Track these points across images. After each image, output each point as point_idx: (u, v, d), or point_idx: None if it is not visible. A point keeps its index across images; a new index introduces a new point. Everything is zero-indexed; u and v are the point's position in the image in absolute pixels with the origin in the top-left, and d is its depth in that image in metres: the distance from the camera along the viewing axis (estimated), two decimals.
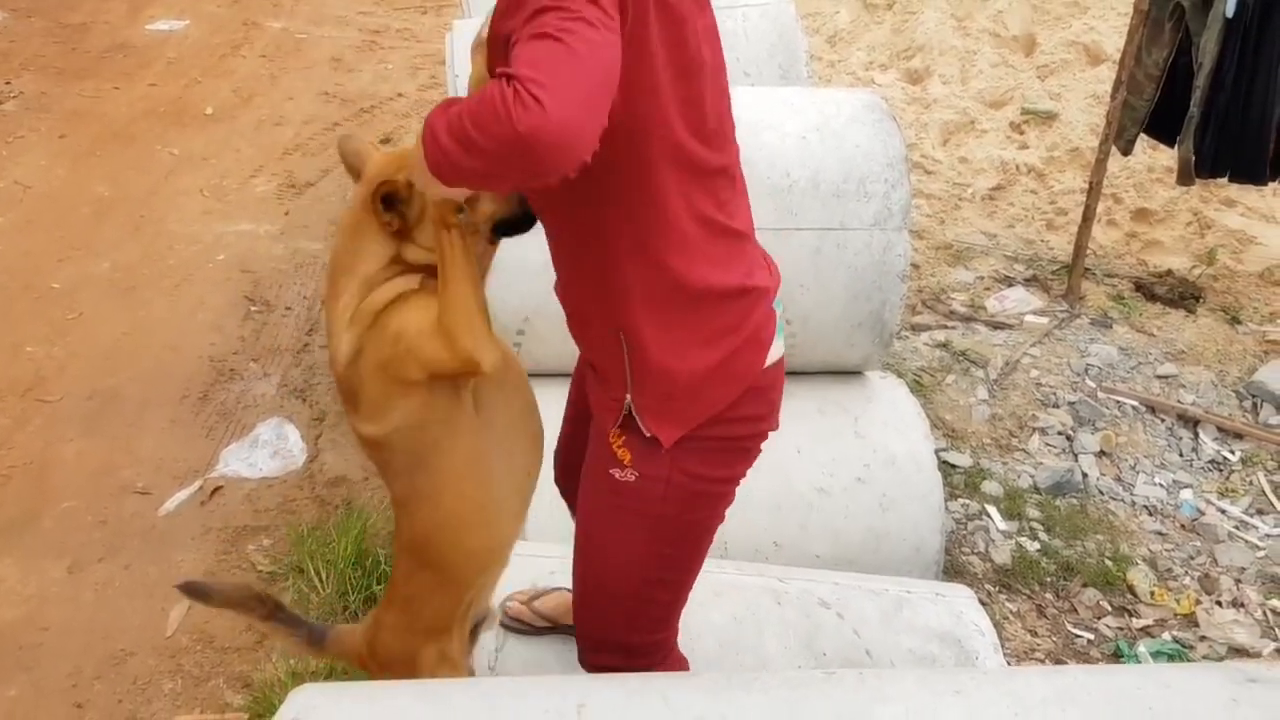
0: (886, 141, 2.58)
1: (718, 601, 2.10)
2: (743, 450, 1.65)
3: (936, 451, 3.64)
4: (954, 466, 3.58)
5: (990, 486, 3.50)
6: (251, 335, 4.16)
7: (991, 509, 3.42)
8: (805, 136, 2.57)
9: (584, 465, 1.70)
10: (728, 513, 2.49)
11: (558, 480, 2.05)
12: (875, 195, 2.54)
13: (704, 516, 1.67)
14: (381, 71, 6.94)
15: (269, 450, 3.53)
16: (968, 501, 3.45)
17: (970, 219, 5.06)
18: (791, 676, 1.63)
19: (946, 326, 4.26)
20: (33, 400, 3.74)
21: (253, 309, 4.34)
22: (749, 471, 1.70)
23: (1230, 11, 3.80)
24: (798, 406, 2.75)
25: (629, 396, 1.55)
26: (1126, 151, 4.38)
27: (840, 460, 2.61)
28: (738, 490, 1.92)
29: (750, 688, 1.34)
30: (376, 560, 2.98)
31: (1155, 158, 5.06)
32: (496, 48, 1.42)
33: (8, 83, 6.39)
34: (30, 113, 6.04)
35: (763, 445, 1.68)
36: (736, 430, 1.61)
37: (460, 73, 2.85)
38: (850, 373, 2.84)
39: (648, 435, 1.56)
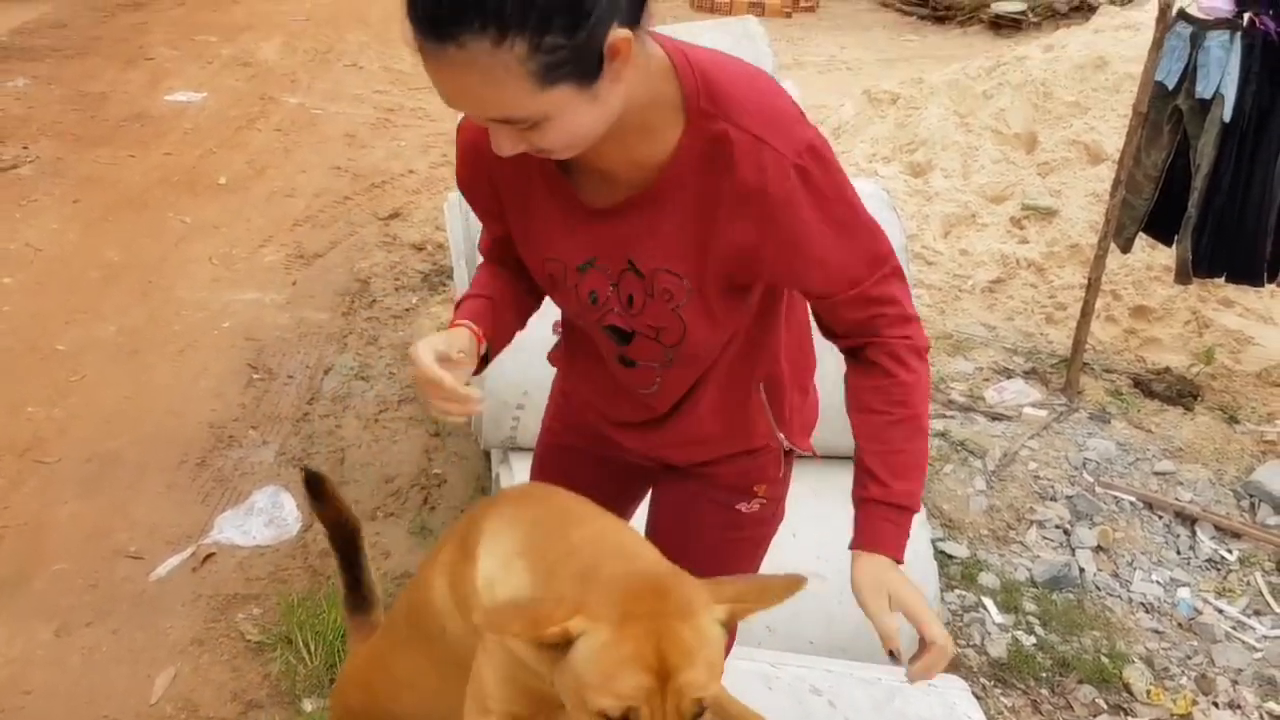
0: (887, 231, 2.61)
1: None
2: None
3: (933, 541, 3.63)
4: (951, 557, 3.57)
5: (987, 578, 3.48)
6: (252, 403, 4.18)
7: (988, 601, 3.40)
8: None
9: (688, 521, 1.67)
10: None
11: None
12: None
13: None
14: (394, 148, 7.07)
15: (264, 518, 3.52)
16: (964, 593, 3.43)
17: (970, 310, 5.11)
18: None
19: (945, 415, 4.28)
20: (30, 461, 3.74)
21: (255, 377, 4.37)
22: None
23: (1227, 117, 3.89)
24: (793, 490, 2.75)
25: (782, 437, 1.60)
26: (1125, 249, 4.45)
27: (835, 545, 2.58)
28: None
29: None
30: None
31: (1154, 256, 5.13)
32: None
33: (25, 147, 6.51)
34: (45, 177, 6.14)
35: None
36: None
37: None
38: (847, 458, 2.84)
39: (801, 454, 1.65)
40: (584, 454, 1.77)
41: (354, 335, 4.73)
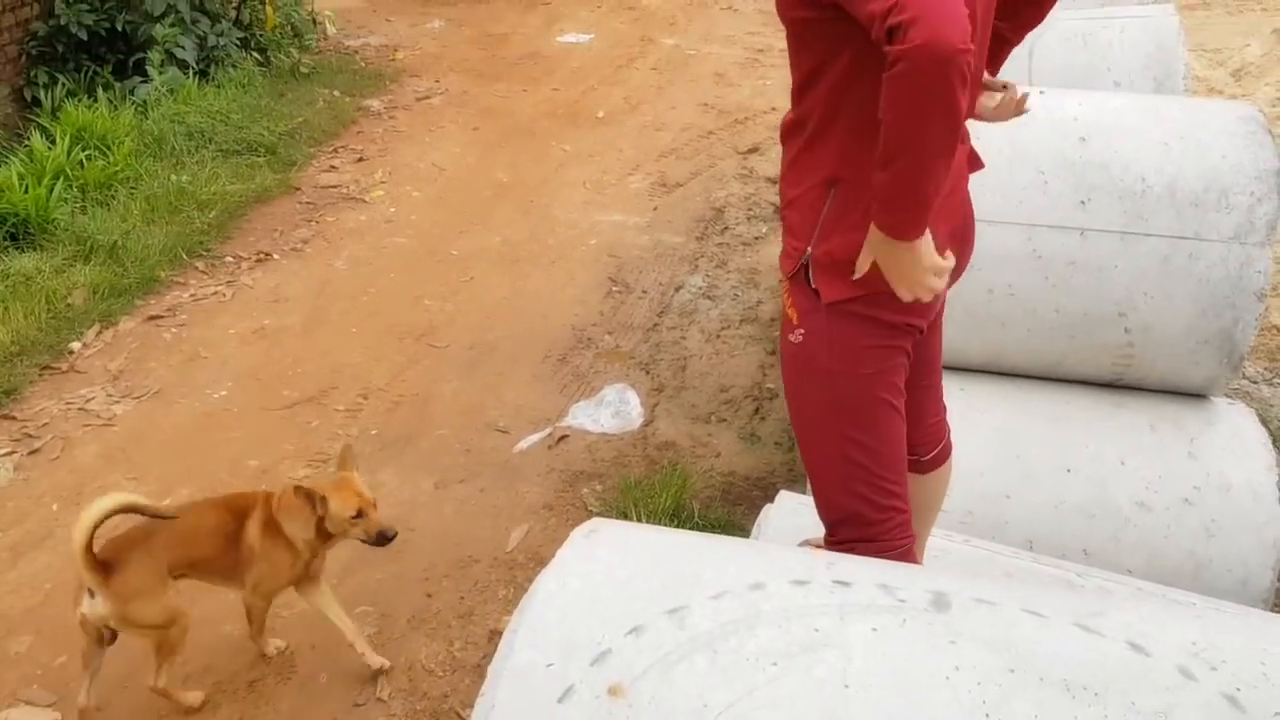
0: (1258, 154, 2.45)
1: (1008, 583, 2.10)
2: (891, 327, 1.73)
3: None
4: None
5: None
6: (610, 311, 4.55)
7: None
8: (1167, 143, 2.50)
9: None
10: (1034, 511, 2.49)
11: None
12: (1238, 208, 2.43)
13: (869, 375, 1.74)
14: (759, 87, 7.27)
15: (611, 410, 3.86)
16: None
17: None
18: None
19: None
20: (425, 344, 4.31)
21: (614, 289, 4.74)
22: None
23: None
24: (1128, 419, 2.67)
25: (810, 248, 1.70)
26: None
27: (1167, 478, 2.51)
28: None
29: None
30: (691, 513, 3.21)
31: None
32: None
33: (437, 81, 7.32)
34: (451, 107, 6.89)
35: (920, 327, 1.76)
36: (883, 314, 1.70)
37: None
38: (1193, 395, 2.71)
39: (811, 287, 1.71)
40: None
41: (705, 258, 5.00)
